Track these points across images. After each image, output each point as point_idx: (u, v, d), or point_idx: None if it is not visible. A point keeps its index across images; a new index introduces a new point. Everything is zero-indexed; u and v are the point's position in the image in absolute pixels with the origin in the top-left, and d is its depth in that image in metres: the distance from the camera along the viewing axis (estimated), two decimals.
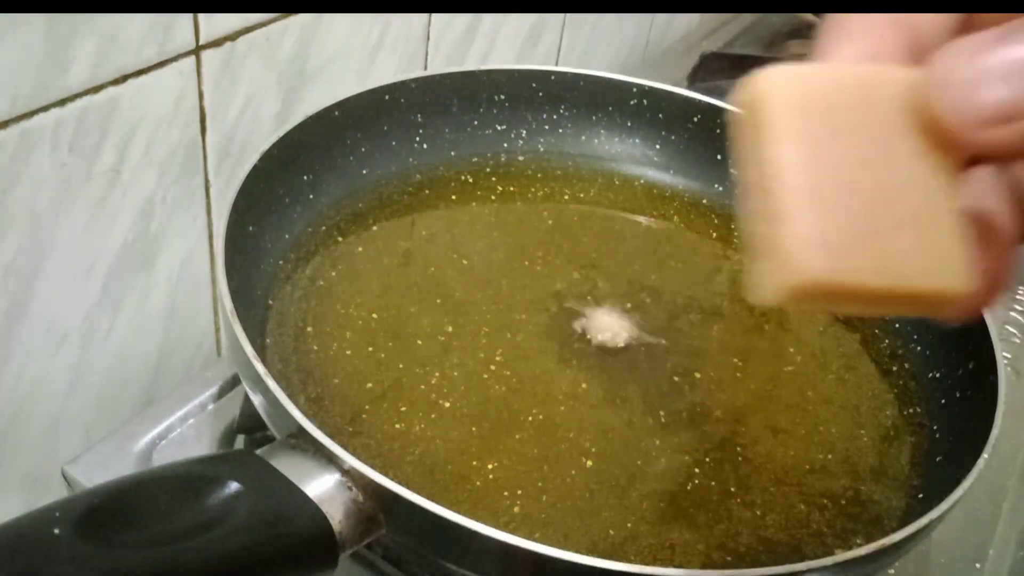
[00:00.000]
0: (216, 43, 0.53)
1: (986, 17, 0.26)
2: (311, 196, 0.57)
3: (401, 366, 0.50)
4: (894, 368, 0.56)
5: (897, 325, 0.58)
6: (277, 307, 0.51)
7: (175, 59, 0.51)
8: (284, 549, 0.35)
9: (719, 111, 0.67)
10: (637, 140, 0.68)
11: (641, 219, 0.63)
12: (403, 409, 0.47)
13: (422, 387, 0.49)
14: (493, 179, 0.64)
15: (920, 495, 0.48)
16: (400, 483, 0.36)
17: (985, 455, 0.44)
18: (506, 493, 0.44)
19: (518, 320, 0.54)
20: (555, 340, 0.53)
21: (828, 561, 0.38)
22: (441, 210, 0.61)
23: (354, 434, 0.46)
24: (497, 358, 0.51)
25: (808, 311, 0.58)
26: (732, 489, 0.47)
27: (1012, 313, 0.74)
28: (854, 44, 0.26)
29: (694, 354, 0.54)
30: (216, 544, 0.33)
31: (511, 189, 0.64)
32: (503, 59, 0.80)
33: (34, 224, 0.47)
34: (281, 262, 0.54)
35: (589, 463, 0.47)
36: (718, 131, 0.67)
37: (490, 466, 0.45)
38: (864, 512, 0.47)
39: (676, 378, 0.52)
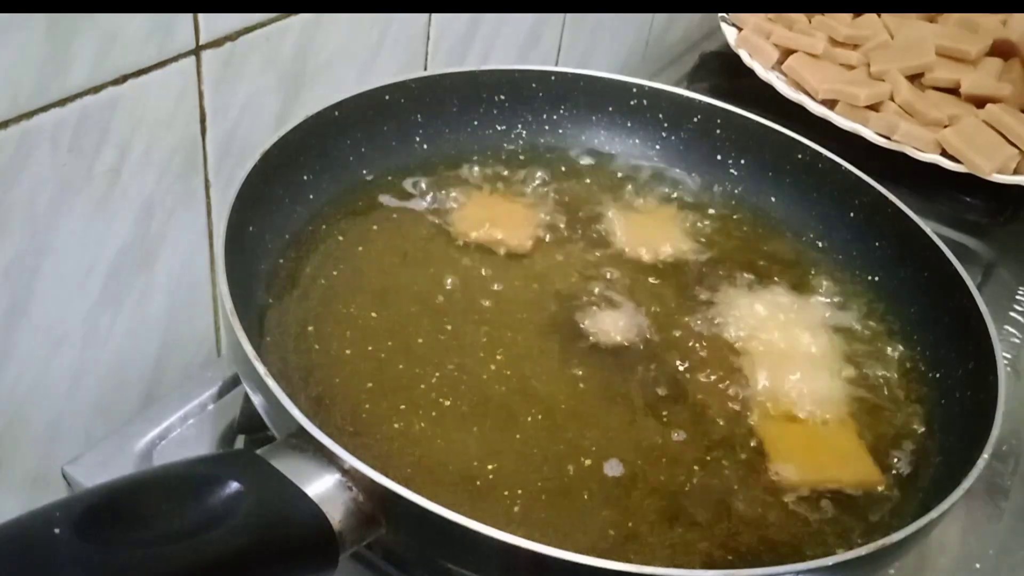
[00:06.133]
0: (216, 43, 0.53)
1: None
2: (311, 196, 0.57)
3: (401, 366, 0.50)
4: (894, 369, 0.56)
5: (897, 326, 0.58)
6: (277, 307, 0.51)
7: (175, 59, 0.51)
8: (284, 549, 0.35)
9: (719, 111, 0.67)
10: (637, 140, 0.68)
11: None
12: (403, 409, 0.47)
13: (422, 387, 0.49)
14: (493, 179, 0.64)
15: (920, 495, 0.48)
16: (400, 483, 0.36)
17: (985, 455, 0.44)
18: (506, 493, 0.44)
19: (518, 320, 0.54)
20: (555, 340, 0.53)
21: (828, 561, 0.38)
22: (441, 210, 0.61)
23: (354, 434, 0.46)
24: (497, 358, 0.51)
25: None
26: (733, 488, 0.47)
27: (1012, 313, 0.74)
28: None
29: (694, 352, 0.54)
30: (216, 544, 0.33)
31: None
32: (503, 59, 0.80)
33: (34, 224, 0.47)
34: (281, 262, 0.54)
35: (589, 463, 0.47)
36: (718, 131, 0.67)
37: (490, 466, 0.45)
38: (864, 512, 0.47)
39: (677, 377, 0.52)
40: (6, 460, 0.52)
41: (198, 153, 0.55)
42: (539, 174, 0.65)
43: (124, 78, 0.48)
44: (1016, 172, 0.82)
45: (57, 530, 0.31)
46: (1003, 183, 0.81)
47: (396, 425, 0.46)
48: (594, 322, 0.54)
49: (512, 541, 0.36)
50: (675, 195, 0.66)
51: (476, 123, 0.65)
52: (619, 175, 0.67)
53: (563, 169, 0.66)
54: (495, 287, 0.56)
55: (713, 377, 0.52)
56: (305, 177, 0.56)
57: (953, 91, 0.89)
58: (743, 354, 0.54)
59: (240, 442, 0.55)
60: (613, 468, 0.46)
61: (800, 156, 0.65)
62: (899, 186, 0.63)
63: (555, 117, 0.67)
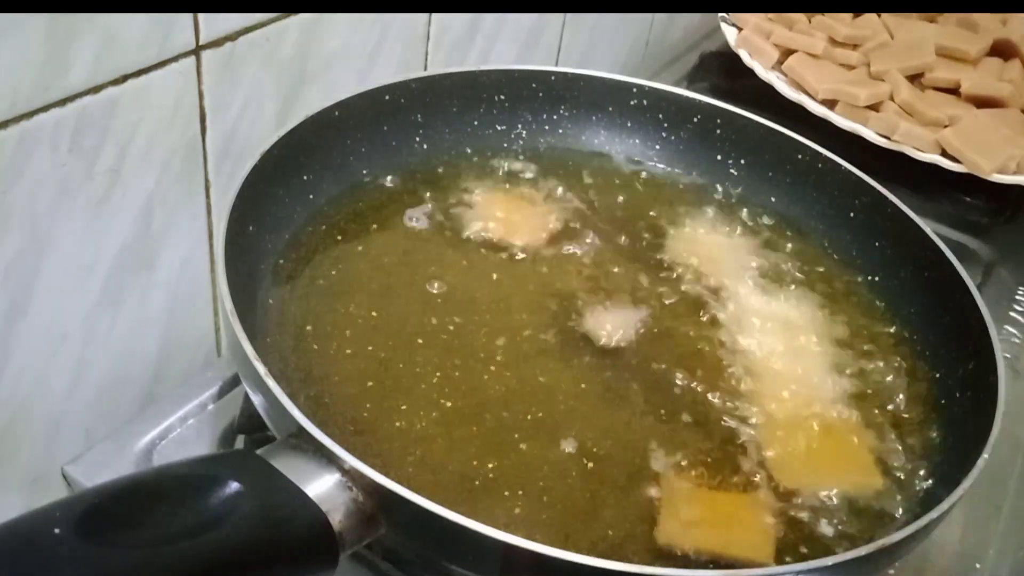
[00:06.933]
0: (216, 43, 0.53)
1: None
2: (311, 196, 0.57)
3: (401, 365, 0.50)
4: (894, 369, 0.56)
5: (897, 326, 0.58)
6: (277, 307, 0.51)
7: (175, 59, 0.51)
8: (284, 549, 0.35)
9: (719, 111, 0.67)
10: (637, 140, 0.68)
11: (641, 219, 0.63)
12: (403, 408, 0.47)
13: (422, 386, 0.49)
14: (493, 179, 0.64)
15: (920, 495, 0.48)
16: (400, 483, 0.36)
17: (985, 455, 0.44)
18: (506, 493, 0.44)
19: (518, 320, 0.54)
20: (555, 340, 0.53)
21: (828, 561, 0.38)
22: (441, 210, 0.61)
23: (354, 434, 0.46)
24: (497, 358, 0.51)
25: None
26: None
27: (1012, 313, 0.74)
28: None
29: (695, 353, 0.54)
30: (216, 544, 0.33)
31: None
32: (503, 59, 0.80)
33: (34, 224, 0.47)
34: (281, 262, 0.54)
35: (589, 463, 0.47)
36: (718, 131, 0.67)
37: (490, 466, 0.45)
38: (864, 512, 0.47)
39: (677, 378, 0.52)
40: (6, 460, 0.52)
41: (198, 153, 0.55)
42: (539, 174, 0.65)
43: (124, 78, 0.48)
44: (1016, 172, 0.82)
45: (57, 530, 0.31)
46: (1003, 183, 0.81)
47: (396, 425, 0.46)
48: (595, 322, 0.54)
49: (512, 541, 0.36)
50: (675, 196, 0.66)
51: (476, 123, 0.65)
52: (619, 175, 0.67)
53: (563, 170, 0.66)
54: (495, 287, 0.56)
55: (713, 378, 0.52)
56: (305, 177, 0.56)
57: (953, 91, 0.89)
58: (743, 354, 0.54)
59: (240, 442, 0.55)
60: (613, 468, 0.46)
61: (800, 156, 0.65)
62: (899, 186, 0.63)
63: (555, 117, 0.67)
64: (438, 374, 0.49)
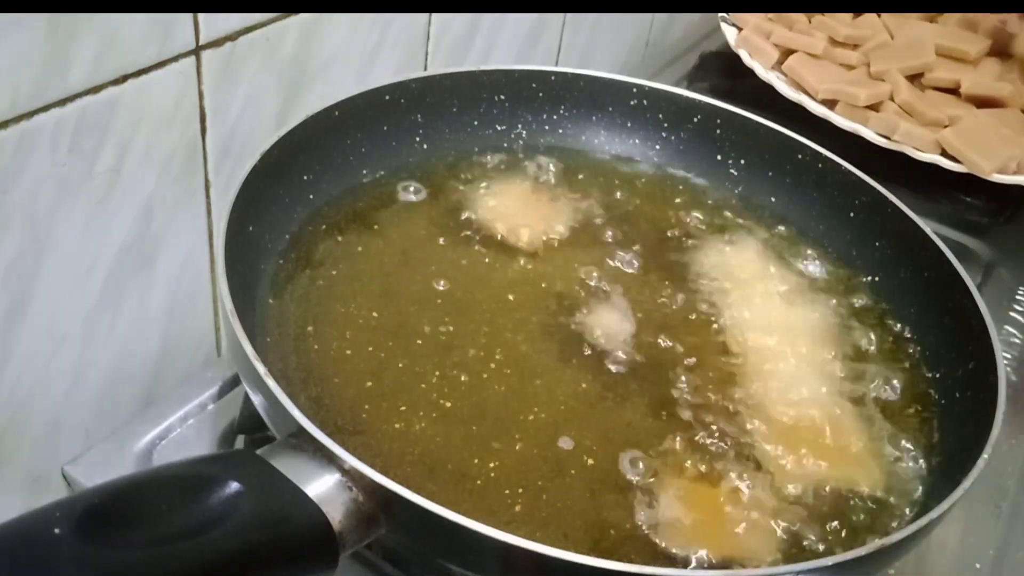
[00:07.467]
0: (216, 43, 0.53)
1: None
2: (311, 196, 0.57)
3: (401, 365, 0.50)
4: (894, 369, 0.56)
5: (897, 326, 0.58)
6: (277, 307, 0.51)
7: (175, 59, 0.51)
8: (284, 549, 0.35)
9: (719, 111, 0.67)
10: (637, 140, 0.68)
11: (641, 219, 0.63)
12: (403, 408, 0.47)
13: (422, 386, 0.49)
14: (493, 179, 0.64)
15: (920, 495, 0.48)
16: (400, 483, 0.36)
17: (985, 455, 0.44)
18: (506, 492, 0.44)
19: (518, 320, 0.54)
20: (555, 340, 0.53)
21: (828, 561, 0.38)
22: (441, 210, 0.61)
23: (354, 434, 0.46)
24: (497, 358, 0.51)
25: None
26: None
27: (1012, 313, 0.74)
28: None
29: (695, 354, 0.54)
30: (216, 544, 0.33)
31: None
32: (503, 59, 0.80)
33: (34, 224, 0.47)
34: (281, 262, 0.54)
35: (590, 462, 0.47)
36: (718, 131, 0.67)
37: (490, 465, 0.45)
38: (864, 512, 0.47)
39: (676, 379, 0.52)
40: (6, 460, 0.52)
41: (198, 153, 0.55)
42: (539, 175, 0.65)
43: (124, 78, 0.48)
44: (1016, 172, 0.82)
45: (57, 530, 0.31)
46: (1003, 183, 0.81)
47: (396, 425, 0.46)
48: (595, 323, 0.54)
49: (512, 541, 0.36)
50: (675, 196, 0.66)
51: (476, 123, 0.65)
52: (619, 175, 0.67)
53: (563, 170, 0.66)
54: (495, 287, 0.56)
55: (712, 379, 0.52)
56: (305, 177, 0.56)
57: (953, 91, 0.89)
58: (742, 355, 0.54)
59: (240, 442, 0.55)
60: (613, 468, 0.46)
61: (800, 156, 0.65)
62: (899, 186, 0.63)
63: (555, 117, 0.67)
64: (437, 374, 0.49)
